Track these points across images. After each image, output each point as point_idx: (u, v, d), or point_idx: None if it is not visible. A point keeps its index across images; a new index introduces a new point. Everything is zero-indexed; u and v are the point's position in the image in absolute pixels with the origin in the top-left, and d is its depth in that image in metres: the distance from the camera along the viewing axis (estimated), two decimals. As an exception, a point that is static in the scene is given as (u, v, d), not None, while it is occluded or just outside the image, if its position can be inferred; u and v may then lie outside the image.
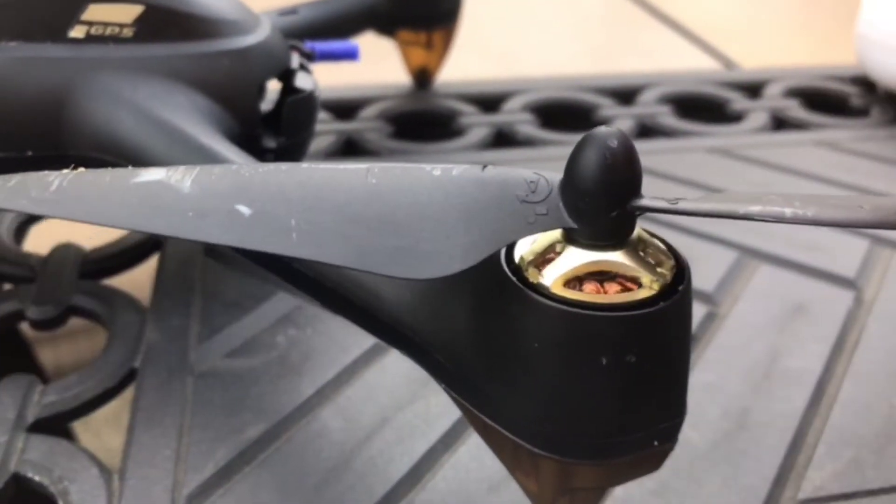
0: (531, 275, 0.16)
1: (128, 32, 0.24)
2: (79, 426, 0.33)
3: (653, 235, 0.17)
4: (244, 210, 0.15)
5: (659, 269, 0.16)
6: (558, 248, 0.16)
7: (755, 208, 0.14)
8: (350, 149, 0.38)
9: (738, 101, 0.44)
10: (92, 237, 0.30)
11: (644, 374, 0.15)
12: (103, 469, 0.21)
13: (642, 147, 0.39)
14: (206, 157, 0.22)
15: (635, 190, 0.15)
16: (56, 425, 0.23)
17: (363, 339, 0.25)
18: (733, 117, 0.43)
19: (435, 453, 0.22)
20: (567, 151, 0.16)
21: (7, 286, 0.28)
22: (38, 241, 0.31)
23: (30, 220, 0.31)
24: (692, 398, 0.24)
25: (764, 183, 0.36)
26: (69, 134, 0.24)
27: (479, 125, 0.40)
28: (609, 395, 0.15)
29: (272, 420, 0.22)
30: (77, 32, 0.24)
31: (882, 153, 0.39)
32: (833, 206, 0.14)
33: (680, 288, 0.16)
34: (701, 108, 0.44)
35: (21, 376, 0.24)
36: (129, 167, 0.16)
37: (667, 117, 0.42)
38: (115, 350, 0.25)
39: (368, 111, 0.41)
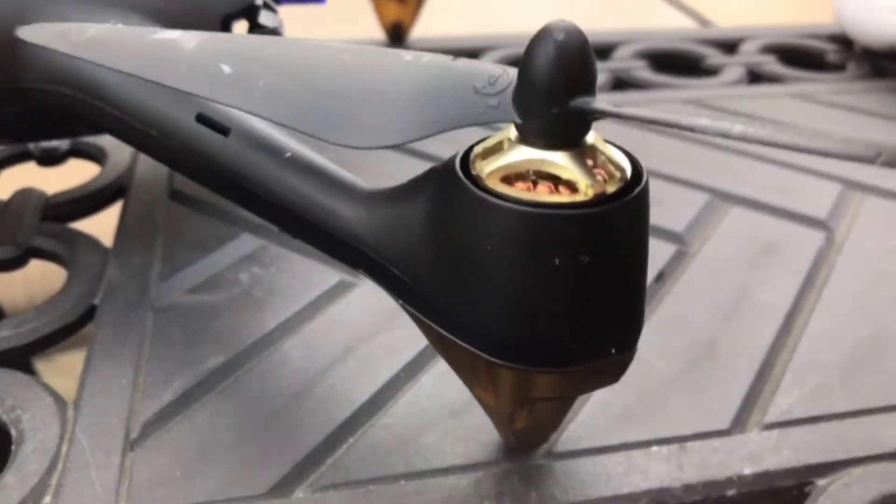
0: (475, 167, 0.15)
1: (82, -39, 0.23)
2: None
3: (609, 143, 0.16)
4: (226, 69, 0.17)
5: (607, 176, 0.15)
6: (506, 144, 0.16)
7: (702, 121, 0.13)
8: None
9: (714, 57, 0.43)
10: (54, 184, 0.30)
11: (599, 277, 0.15)
12: (58, 399, 0.20)
13: (616, 99, 0.38)
14: (166, 88, 0.22)
15: (582, 88, 0.15)
16: (13, 360, 0.22)
17: (328, 277, 0.25)
18: (709, 72, 0.42)
19: (398, 381, 0.21)
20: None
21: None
22: (1, 190, 0.30)
23: (-8, 167, 0.31)
24: (659, 330, 0.24)
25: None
26: (24, 67, 0.23)
27: (452, 79, 0.39)
28: (563, 298, 0.15)
29: (233, 352, 0.22)
30: (30, -39, 0.23)
31: (859, 105, 0.39)
32: (792, 132, 0.13)
33: (635, 190, 0.15)
34: (676, 64, 0.43)
35: (-23, 313, 0.23)
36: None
37: (642, 71, 0.41)
38: (75, 287, 0.24)
39: (341, 66, 0.40)
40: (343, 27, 0.44)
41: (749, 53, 0.44)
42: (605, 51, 0.43)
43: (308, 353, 0.22)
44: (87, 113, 0.23)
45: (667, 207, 0.29)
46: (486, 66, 0.16)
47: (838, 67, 0.44)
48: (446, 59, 0.16)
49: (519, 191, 0.15)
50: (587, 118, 0.15)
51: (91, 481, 0.18)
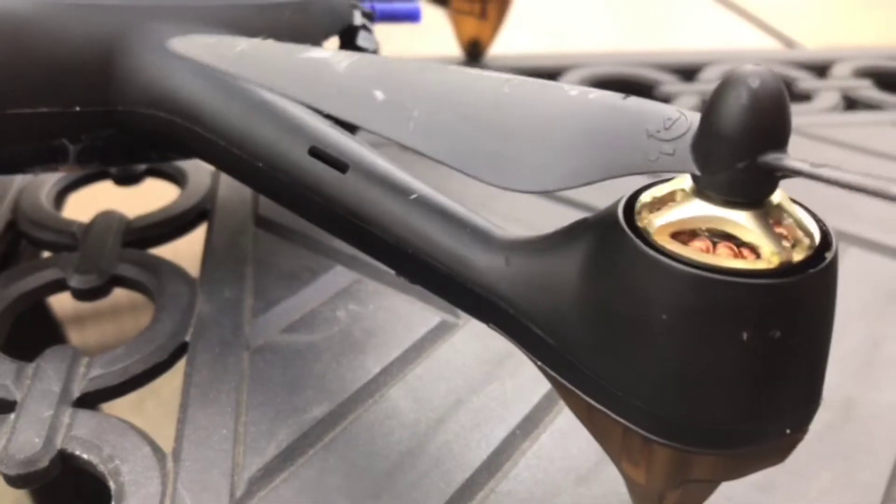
0: (642, 220, 0.14)
1: (184, -21, 0.22)
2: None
3: (795, 203, 0.15)
4: (378, 95, 0.16)
5: (793, 240, 0.14)
6: (679, 196, 0.14)
7: None
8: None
9: (806, 81, 0.41)
10: (133, 206, 0.29)
11: (787, 352, 0.14)
12: (156, 449, 0.19)
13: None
14: (269, 113, 0.21)
15: (774, 142, 0.13)
16: (101, 401, 0.21)
17: (429, 316, 0.23)
18: (802, 96, 0.40)
19: (514, 440, 0.20)
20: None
21: (46, 254, 0.27)
22: (78, 210, 0.29)
23: (70, 186, 0.30)
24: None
25: (842, 164, 0.34)
26: (119, 88, 0.22)
27: (535, 99, 0.38)
28: (746, 376, 0.14)
29: (337, 399, 0.21)
30: (130, -22, 0.22)
31: (965, 135, 0.36)
32: None
33: (826, 255, 0.14)
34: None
35: (64, 348, 0.22)
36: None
37: (732, 95, 0.39)
38: (164, 322, 0.23)
39: (418, 83, 0.39)
40: (417, 42, 0.42)
41: (842, 77, 0.42)
42: (690, 71, 0.42)
43: (416, 402, 0.21)
44: (183, 138, 0.22)
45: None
46: (661, 108, 0.14)
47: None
48: (616, 98, 0.15)
49: (703, 254, 0.13)
50: (776, 176, 0.14)
51: (198, 546, 0.17)
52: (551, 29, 0.50)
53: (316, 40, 0.24)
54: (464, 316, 0.23)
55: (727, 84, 0.13)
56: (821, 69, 0.43)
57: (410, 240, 0.17)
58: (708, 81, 0.41)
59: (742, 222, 0.13)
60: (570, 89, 0.15)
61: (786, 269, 0.13)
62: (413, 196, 0.18)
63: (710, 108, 0.13)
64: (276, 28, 0.23)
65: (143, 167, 0.31)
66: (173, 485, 0.18)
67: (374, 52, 0.26)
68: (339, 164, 0.19)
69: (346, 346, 0.22)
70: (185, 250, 0.28)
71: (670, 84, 0.40)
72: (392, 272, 0.18)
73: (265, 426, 0.20)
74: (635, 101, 0.15)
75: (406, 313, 0.24)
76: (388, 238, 0.18)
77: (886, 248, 0.28)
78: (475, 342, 0.23)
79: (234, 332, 0.23)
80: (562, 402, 0.21)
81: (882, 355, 0.23)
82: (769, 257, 0.13)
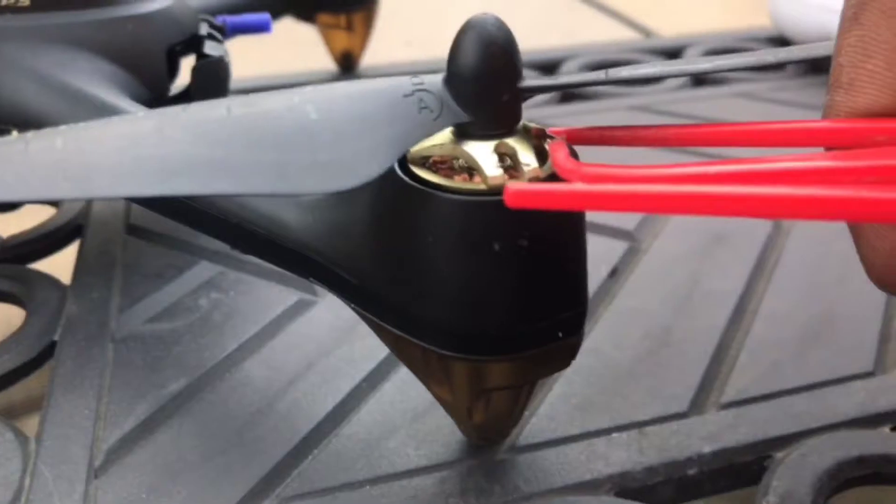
0: (410, 162, 0.16)
1: (25, 1, 0.24)
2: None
3: (541, 131, 0.17)
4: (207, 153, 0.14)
5: (528, 164, 0.16)
6: (441, 140, 0.16)
7: (623, 72, 0.17)
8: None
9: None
10: (10, 223, 0.30)
11: (538, 260, 0.16)
12: (18, 433, 0.20)
13: (565, 110, 0.39)
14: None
15: (520, 72, 0.16)
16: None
17: (287, 297, 0.25)
18: (654, 80, 0.43)
19: (360, 391, 0.22)
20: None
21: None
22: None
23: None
24: (615, 323, 0.24)
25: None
26: (-30, 107, 0.24)
27: (404, 102, 0.40)
28: (505, 282, 0.16)
29: (195, 375, 0.22)
30: (-28, 5, 0.23)
31: (797, 99, 0.40)
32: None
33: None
34: (623, 74, 0.44)
35: (-65, 357, 0.23)
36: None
37: (589, 83, 0.42)
38: (33, 325, 0.24)
39: (293, 97, 0.41)
40: (292, 59, 0.44)
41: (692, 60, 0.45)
42: (551, 66, 0.44)
43: (270, 370, 0.22)
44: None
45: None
46: (396, 79, 0.16)
47: (778, 67, 0.45)
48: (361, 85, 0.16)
49: (451, 180, 0.15)
50: (522, 100, 0.16)
51: (55, 510, 0.18)
52: (425, 38, 0.53)
53: (161, 51, 0.26)
54: (321, 292, 0.25)
55: (469, 36, 0.15)
56: (673, 54, 0.46)
57: (234, 210, 0.19)
58: (567, 73, 0.43)
59: (516, 145, 0.16)
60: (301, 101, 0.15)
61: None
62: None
63: (459, 59, 0.15)
64: (120, 41, 0.25)
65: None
66: (34, 462, 0.19)
67: (222, 58, 0.27)
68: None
69: (205, 329, 0.24)
70: (64, 264, 0.29)
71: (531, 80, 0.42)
72: (232, 248, 0.20)
73: (125, 404, 0.21)
74: (373, 83, 0.16)
75: (265, 296, 0.25)
76: (217, 213, 0.20)
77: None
78: (329, 314, 0.24)
79: (100, 327, 0.24)
80: (404, 355, 0.23)
81: (701, 289, 0.26)
82: (500, 177, 0.15)
